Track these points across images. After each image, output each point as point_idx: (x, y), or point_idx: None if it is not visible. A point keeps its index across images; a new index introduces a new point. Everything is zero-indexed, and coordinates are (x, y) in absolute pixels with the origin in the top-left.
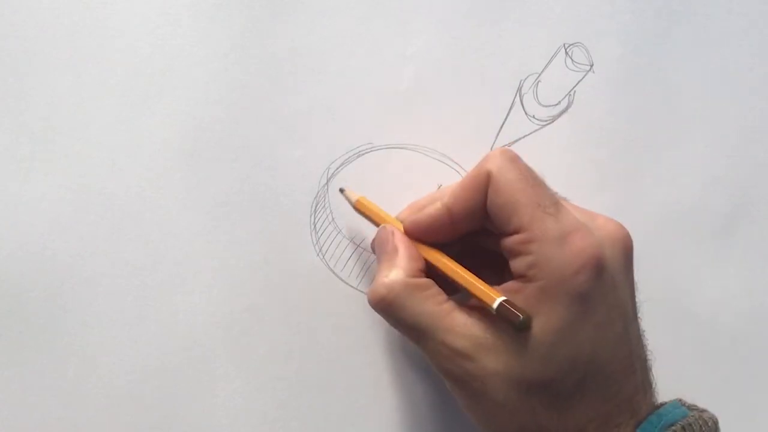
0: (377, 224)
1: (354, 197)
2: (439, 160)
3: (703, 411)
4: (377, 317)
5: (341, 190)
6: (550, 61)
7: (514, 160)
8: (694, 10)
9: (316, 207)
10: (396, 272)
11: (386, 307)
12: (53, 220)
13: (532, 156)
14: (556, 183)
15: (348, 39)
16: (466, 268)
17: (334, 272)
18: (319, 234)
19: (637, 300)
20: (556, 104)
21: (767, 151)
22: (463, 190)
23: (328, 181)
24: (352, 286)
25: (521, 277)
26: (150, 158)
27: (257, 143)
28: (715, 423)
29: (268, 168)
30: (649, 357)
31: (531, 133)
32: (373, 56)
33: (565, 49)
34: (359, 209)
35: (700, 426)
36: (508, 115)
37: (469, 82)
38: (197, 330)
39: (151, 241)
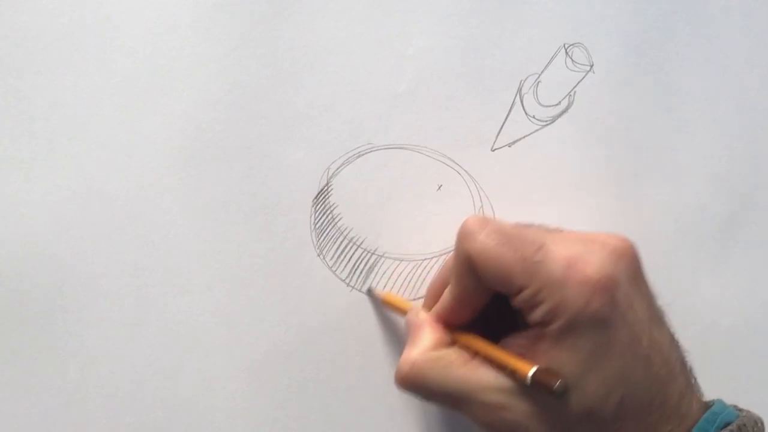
0: (405, 313)
1: (381, 294)
2: (439, 160)
3: (749, 411)
4: (377, 318)
5: (369, 290)
6: (550, 61)
7: (484, 225)
8: (694, 10)
9: (316, 207)
10: (417, 348)
11: (411, 382)
12: (54, 220)
13: (532, 156)
14: (556, 183)
15: (348, 39)
16: (495, 326)
17: (334, 272)
18: (319, 234)
19: (660, 304)
20: (556, 104)
21: (767, 151)
22: (457, 278)
23: (328, 181)
24: (351, 286)
25: (540, 324)
26: (150, 158)
27: (257, 143)
28: (763, 424)
29: (268, 168)
30: (686, 357)
31: (531, 133)
32: (373, 56)
33: (565, 49)
34: (387, 302)
35: (752, 426)
36: (508, 115)
37: (469, 82)
38: (197, 330)
39: (151, 241)
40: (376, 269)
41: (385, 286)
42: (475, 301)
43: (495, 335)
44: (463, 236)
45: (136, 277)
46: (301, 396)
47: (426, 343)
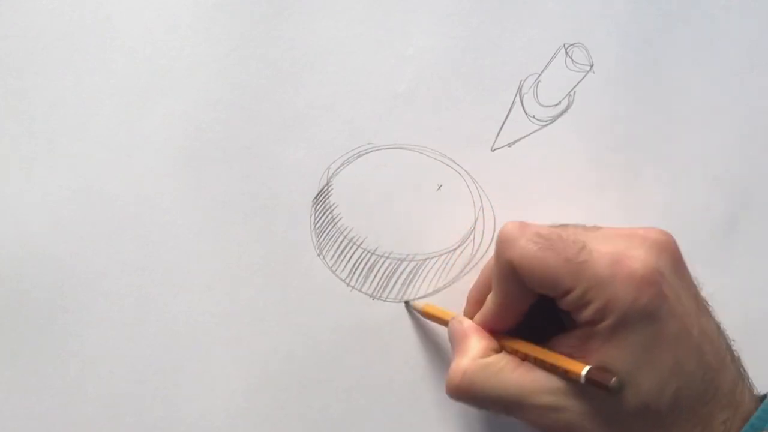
0: (446, 323)
1: (420, 305)
2: (439, 160)
3: None
4: (376, 318)
5: (407, 303)
6: (550, 61)
7: (523, 231)
8: (694, 10)
9: (316, 207)
10: (466, 357)
11: (464, 392)
12: (54, 220)
13: (532, 156)
14: (556, 183)
15: (348, 39)
16: (537, 328)
17: (334, 272)
18: (319, 234)
19: (703, 294)
20: (556, 104)
21: (767, 151)
22: (500, 285)
23: (328, 181)
24: (351, 286)
25: (589, 323)
26: (150, 158)
27: (257, 143)
28: None
29: (268, 168)
30: (733, 346)
31: (531, 133)
32: (373, 56)
33: (565, 49)
34: (426, 313)
35: None
36: (508, 115)
37: (469, 82)
38: (197, 330)
39: (151, 241)
40: (376, 269)
41: (385, 286)
42: (519, 306)
43: (538, 338)
44: (503, 243)
45: (136, 277)
46: (301, 396)
47: (474, 351)
